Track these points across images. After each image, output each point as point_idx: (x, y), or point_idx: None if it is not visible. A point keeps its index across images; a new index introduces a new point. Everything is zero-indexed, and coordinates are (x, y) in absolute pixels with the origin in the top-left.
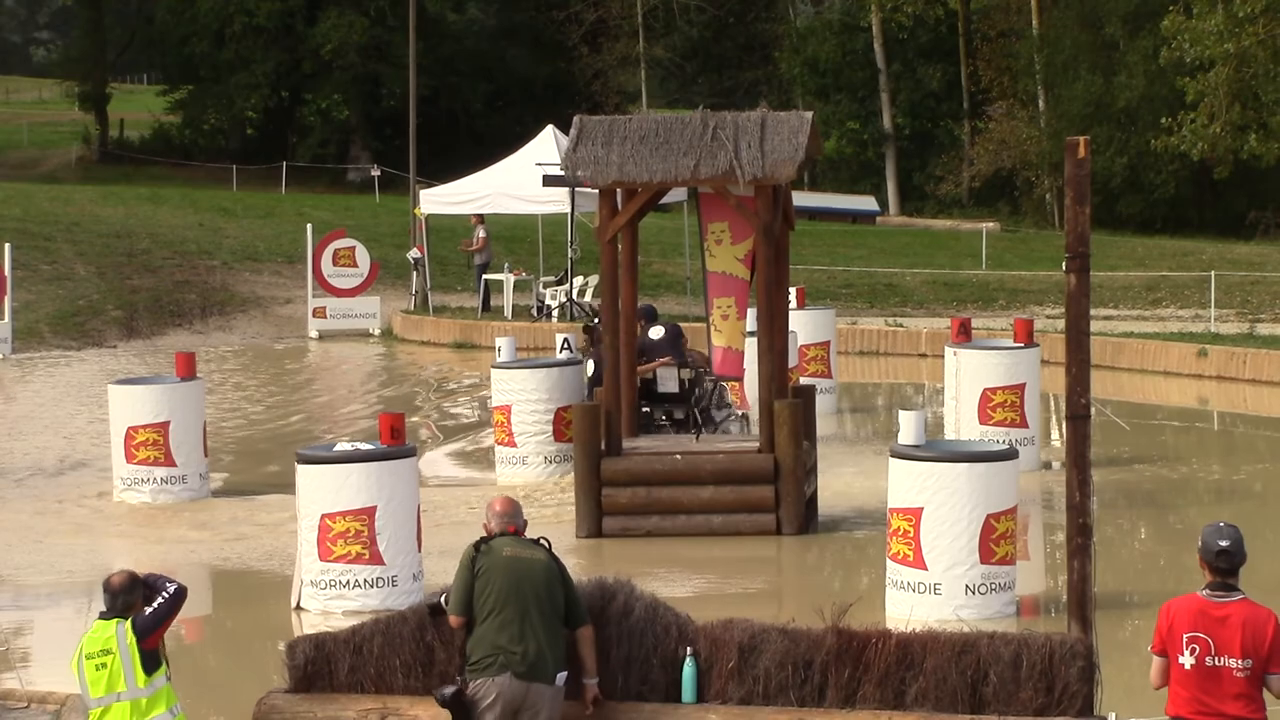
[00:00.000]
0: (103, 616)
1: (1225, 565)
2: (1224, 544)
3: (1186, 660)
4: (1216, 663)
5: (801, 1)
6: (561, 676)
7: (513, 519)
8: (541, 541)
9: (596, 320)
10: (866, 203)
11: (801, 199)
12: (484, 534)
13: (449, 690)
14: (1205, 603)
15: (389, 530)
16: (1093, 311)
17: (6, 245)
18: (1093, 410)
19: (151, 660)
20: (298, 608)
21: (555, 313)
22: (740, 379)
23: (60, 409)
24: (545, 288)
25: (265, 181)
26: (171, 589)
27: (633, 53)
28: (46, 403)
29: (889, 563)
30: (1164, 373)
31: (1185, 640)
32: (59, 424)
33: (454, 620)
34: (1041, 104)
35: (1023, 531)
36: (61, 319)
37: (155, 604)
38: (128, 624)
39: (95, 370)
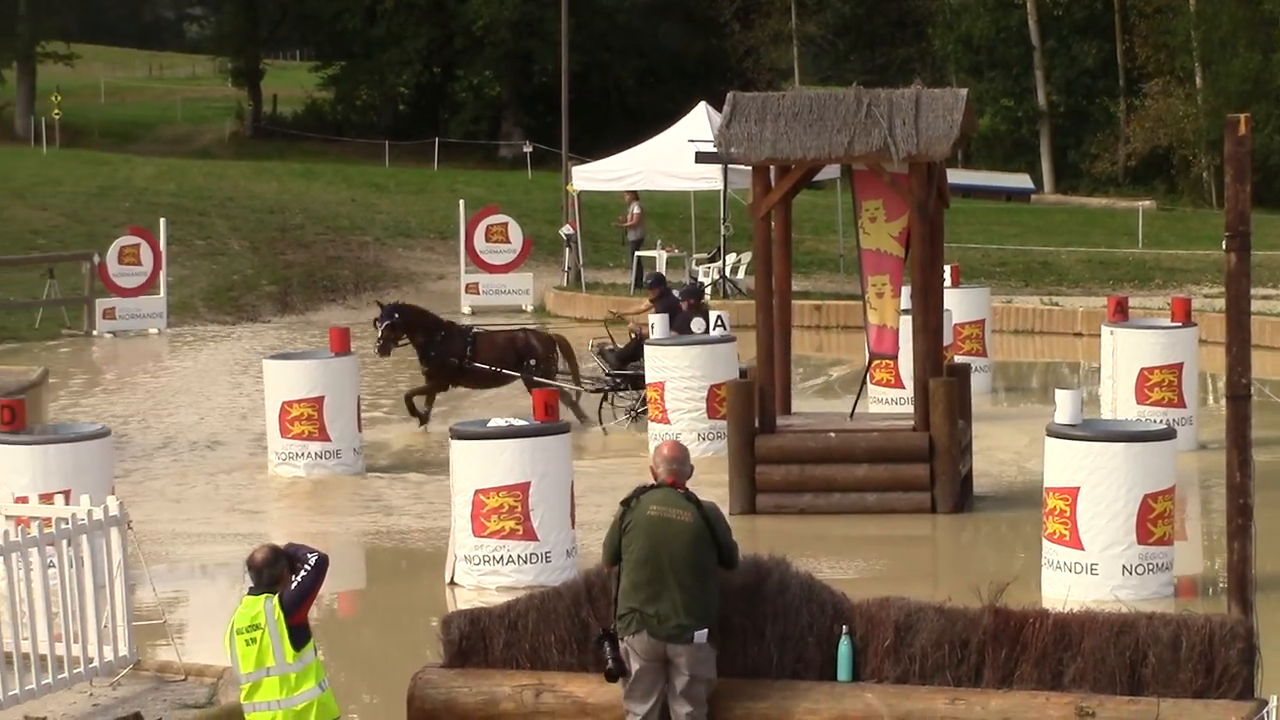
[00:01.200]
0: (251, 592)
1: None
2: None
3: None
4: None
5: None
6: (701, 634)
7: (677, 468)
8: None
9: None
10: (1021, 180)
11: (956, 177)
12: (651, 478)
13: (609, 657)
14: None
15: (543, 506)
16: (1252, 291)
17: (161, 220)
18: (1253, 390)
19: (300, 635)
20: (452, 583)
21: (708, 290)
22: (895, 357)
23: (215, 383)
24: (698, 265)
25: (417, 157)
26: (313, 559)
27: (785, 29)
28: (201, 377)
29: (1045, 542)
30: None
31: None
32: (214, 398)
33: (607, 568)
34: (1199, 81)
35: (1180, 512)
36: (216, 294)
37: (299, 576)
38: (275, 600)
39: (249, 345)
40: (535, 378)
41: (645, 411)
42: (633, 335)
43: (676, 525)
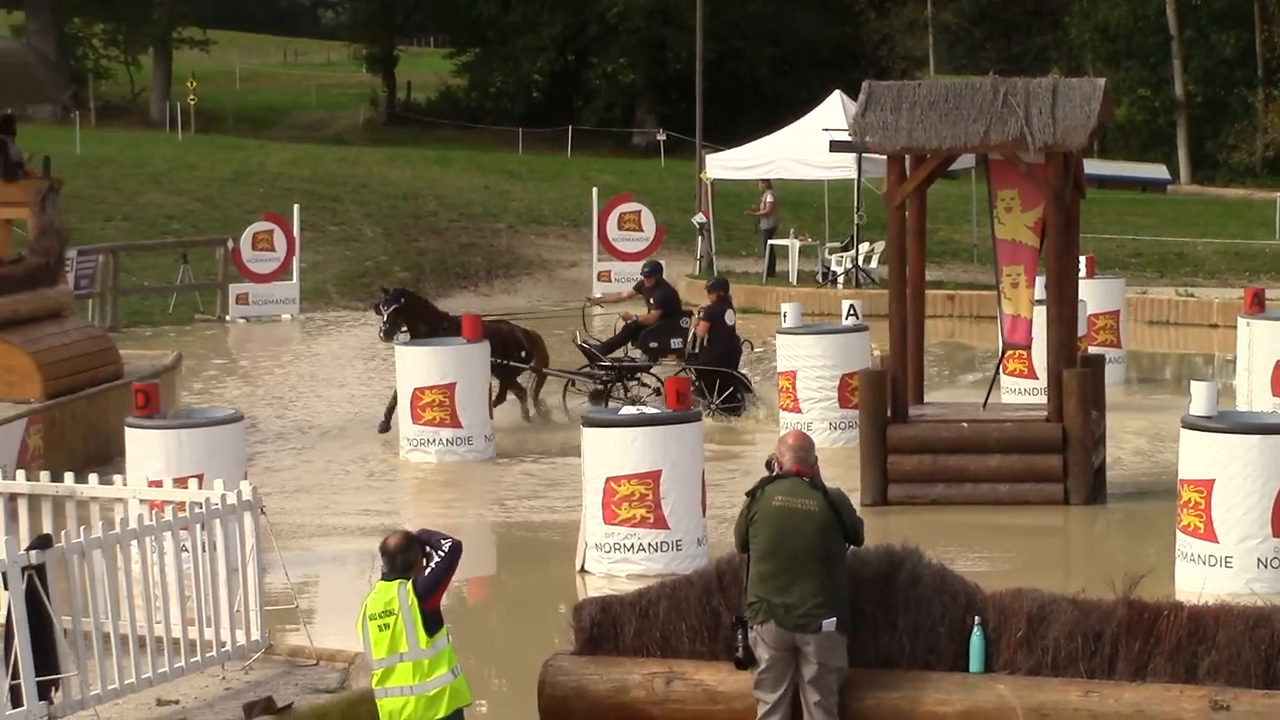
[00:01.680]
0: (384, 578)
1: None
2: None
3: None
4: None
5: None
6: (830, 623)
7: (803, 456)
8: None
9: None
10: (1157, 171)
11: (1091, 167)
12: (775, 467)
13: (739, 645)
14: None
15: (674, 494)
16: None
17: (295, 206)
18: None
19: (434, 621)
20: (582, 570)
21: (841, 279)
22: (1028, 347)
23: (347, 369)
24: (831, 254)
25: (551, 145)
26: (447, 545)
27: (920, 17)
28: (333, 363)
29: (1179, 534)
30: None
31: None
32: (346, 384)
33: (739, 556)
34: None
35: None
36: (348, 280)
37: (433, 563)
38: (409, 585)
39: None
40: (537, 368)
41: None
42: (626, 321)
43: (802, 514)
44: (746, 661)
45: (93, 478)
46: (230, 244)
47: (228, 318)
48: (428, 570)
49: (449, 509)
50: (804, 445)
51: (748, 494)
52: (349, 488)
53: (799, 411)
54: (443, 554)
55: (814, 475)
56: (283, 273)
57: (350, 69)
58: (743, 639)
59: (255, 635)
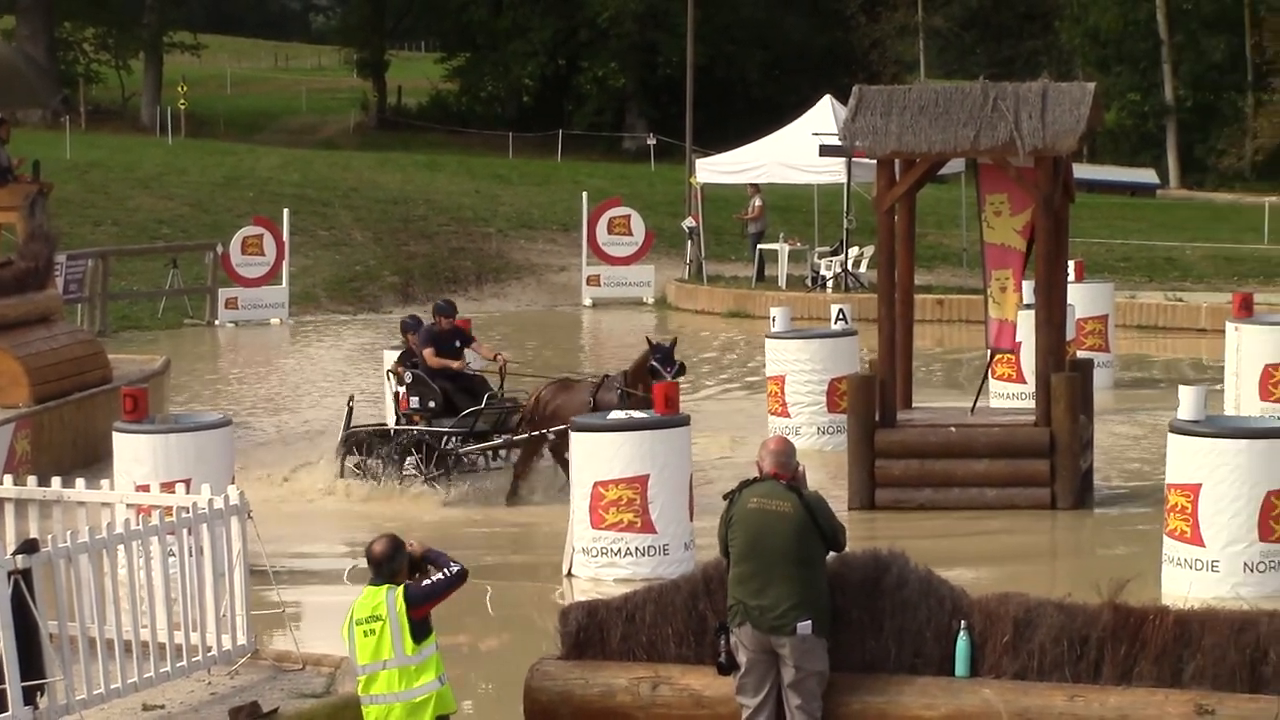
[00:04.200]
0: (372, 583)
1: None
2: None
3: None
4: None
5: None
6: (805, 626)
7: (783, 461)
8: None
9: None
10: (1146, 175)
11: (1080, 171)
12: (756, 473)
13: (721, 650)
14: None
15: (661, 498)
16: None
17: (285, 211)
18: None
19: (421, 628)
20: (569, 574)
21: (830, 283)
22: (1015, 352)
23: (335, 374)
24: (820, 258)
25: (541, 149)
26: (454, 570)
27: (911, 22)
28: (322, 368)
29: (1166, 539)
30: None
31: None
32: (335, 389)
33: (722, 561)
34: None
35: None
36: (338, 284)
37: (435, 579)
38: (399, 591)
39: (370, 336)
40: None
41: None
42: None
43: (776, 516)
44: (729, 666)
45: (80, 482)
46: (220, 248)
47: (217, 322)
48: (429, 583)
49: (439, 512)
50: (784, 450)
51: (725, 497)
52: (338, 493)
53: (787, 416)
54: (448, 574)
55: (792, 479)
56: (272, 277)
57: (341, 73)
58: (725, 644)
59: (241, 640)
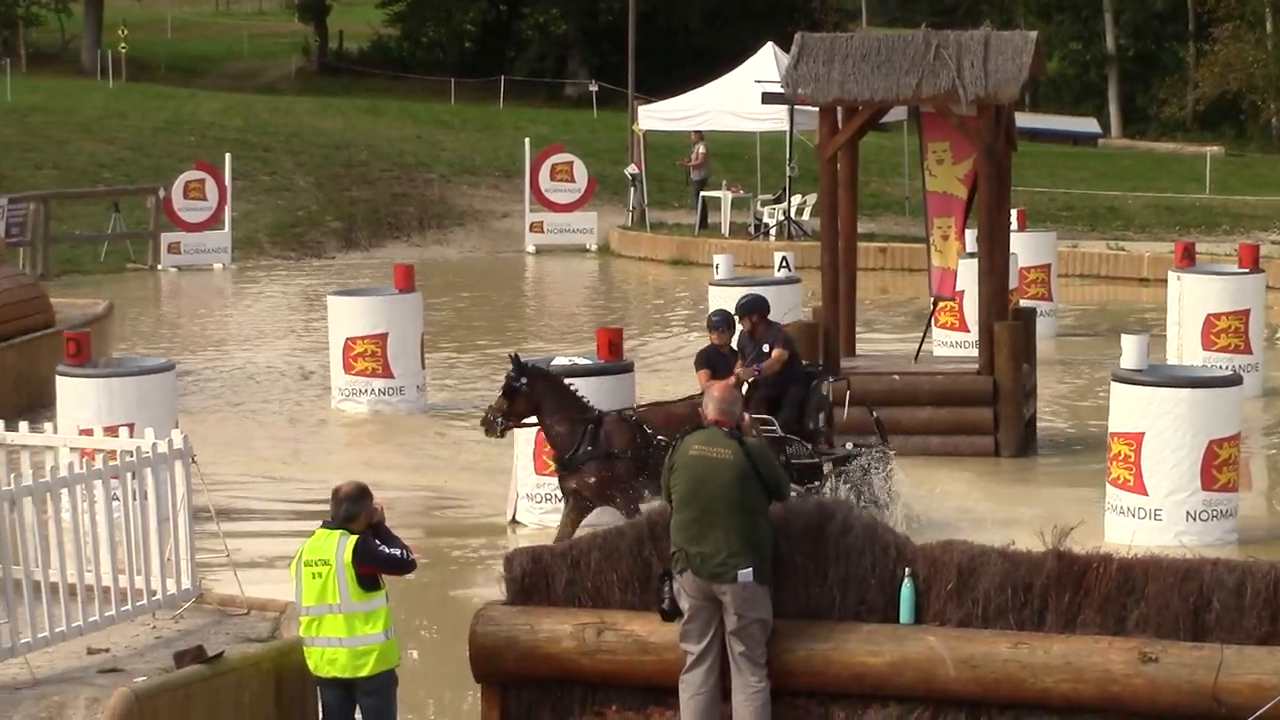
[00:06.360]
0: (325, 525)
1: None
2: None
3: None
4: None
5: None
6: (746, 573)
7: (726, 409)
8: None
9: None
10: (1088, 124)
11: (1022, 120)
12: (700, 422)
13: (665, 595)
14: None
15: None
16: None
17: (227, 155)
18: None
19: (369, 580)
20: (513, 521)
21: (773, 231)
22: (957, 300)
23: (279, 319)
24: (763, 206)
25: (483, 95)
26: (407, 556)
27: None
28: (265, 313)
29: (1109, 487)
30: None
31: None
32: (278, 334)
33: (666, 509)
34: (1269, 26)
35: (1244, 458)
36: (280, 230)
37: (388, 551)
38: (350, 541)
39: (313, 281)
40: None
41: None
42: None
43: (716, 463)
44: (672, 613)
45: (23, 425)
46: (162, 193)
47: (159, 266)
48: (382, 549)
49: (381, 458)
50: (728, 398)
51: (670, 444)
52: (281, 437)
53: None
54: (399, 555)
55: (735, 426)
56: (214, 222)
57: (282, 18)
58: (669, 591)
59: (186, 584)
